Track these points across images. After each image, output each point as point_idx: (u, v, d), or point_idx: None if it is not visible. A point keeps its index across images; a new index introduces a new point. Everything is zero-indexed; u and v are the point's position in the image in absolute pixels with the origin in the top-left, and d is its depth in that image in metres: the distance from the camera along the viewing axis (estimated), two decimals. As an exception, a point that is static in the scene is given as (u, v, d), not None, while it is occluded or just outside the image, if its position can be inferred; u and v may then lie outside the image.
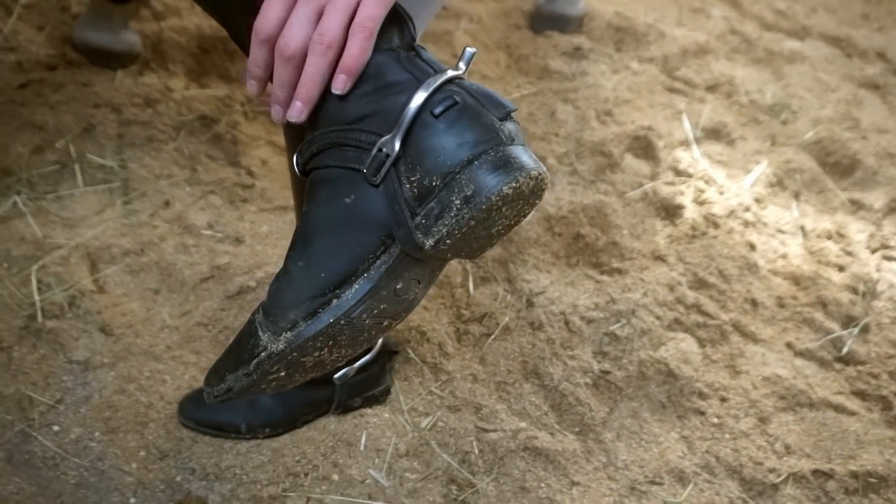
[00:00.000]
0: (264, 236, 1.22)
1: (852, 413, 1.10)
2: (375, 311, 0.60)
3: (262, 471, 0.94)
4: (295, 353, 0.60)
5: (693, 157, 1.52)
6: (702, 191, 1.43)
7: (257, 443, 0.96)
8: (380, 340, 0.90)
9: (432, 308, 1.15)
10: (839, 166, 1.59)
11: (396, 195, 0.57)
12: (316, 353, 0.60)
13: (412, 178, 0.56)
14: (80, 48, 1.40)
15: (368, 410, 1.00)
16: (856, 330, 1.22)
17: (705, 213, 1.38)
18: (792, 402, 1.10)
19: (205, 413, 0.97)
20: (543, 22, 1.84)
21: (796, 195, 1.50)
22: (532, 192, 0.57)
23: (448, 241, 0.56)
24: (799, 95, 1.79)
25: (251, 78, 0.61)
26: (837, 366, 1.17)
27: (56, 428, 0.95)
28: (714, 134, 1.62)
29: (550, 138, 1.50)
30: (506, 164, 0.55)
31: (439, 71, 0.59)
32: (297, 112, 0.59)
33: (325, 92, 0.60)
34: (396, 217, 0.57)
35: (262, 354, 0.60)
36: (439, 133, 0.56)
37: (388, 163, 0.57)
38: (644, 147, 1.52)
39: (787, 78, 1.86)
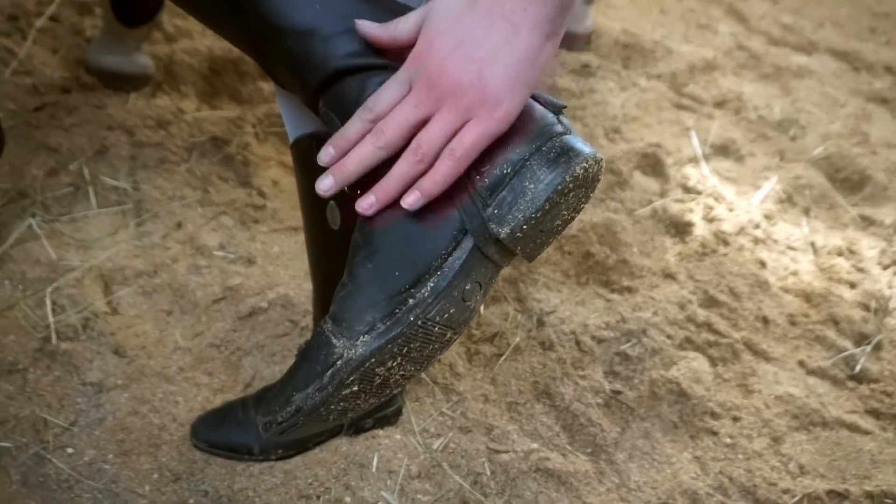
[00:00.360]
0: (276, 257, 1.22)
1: (866, 432, 1.09)
2: (446, 315, 0.60)
3: (274, 493, 0.94)
4: (373, 360, 0.59)
5: (702, 174, 1.52)
6: (711, 208, 1.44)
7: (270, 465, 0.97)
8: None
9: (443, 328, 1.15)
10: (849, 182, 1.59)
11: (466, 188, 0.58)
12: (389, 364, 0.60)
13: (482, 169, 0.58)
14: (94, 71, 1.42)
15: (380, 432, 1.00)
16: (868, 348, 1.21)
17: (715, 231, 1.38)
18: (805, 421, 1.10)
19: (218, 435, 0.97)
20: (551, 40, 1.85)
21: (806, 211, 1.50)
22: (593, 178, 0.60)
23: (524, 228, 0.58)
24: (807, 110, 1.79)
25: (334, 147, 0.60)
26: (850, 384, 1.17)
27: (70, 450, 0.95)
28: (723, 150, 1.62)
29: (559, 156, 1.51)
30: (571, 149, 0.58)
31: None
32: (368, 205, 0.59)
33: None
34: (468, 209, 0.58)
35: (339, 363, 0.59)
36: None
37: None
38: (653, 164, 1.52)
39: (795, 93, 1.86)
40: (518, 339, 1.15)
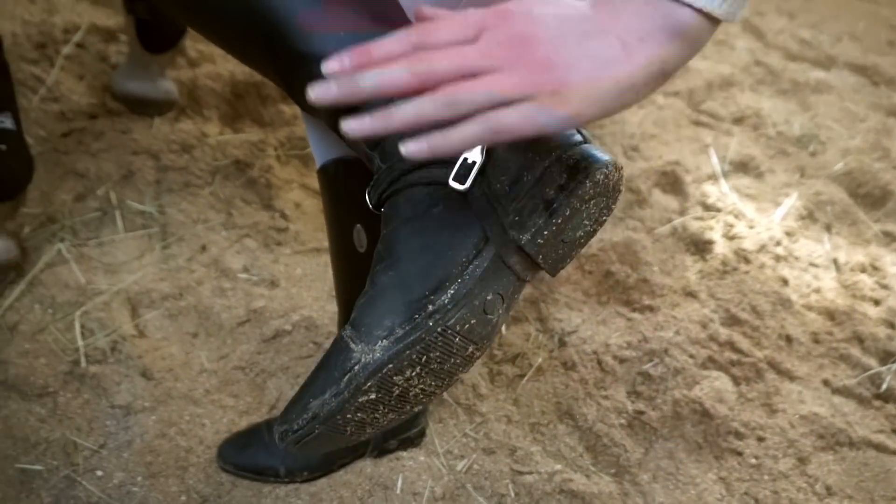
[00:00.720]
0: (299, 279, 1.24)
1: (894, 452, 1.08)
2: (467, 326, 0.59)
3: (300, 515, 0.94)
4: (390, 366, 0.58)
5: (721, 192, 1.52)
6: (731, 225, 1.43)
7: (295, 487, 0.97)
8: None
9: (465, 349, 1.15)
10: (870, 197, 1.58)
11: (488, 196, 0.58)
12: (407, 373, 0.59)
13: (502, 178, 0.58)
14: (120, 97, 1.45)
15: (404, 453, 1.01)
16: (894, 366, 1.20)
17: (736, 248, 1.38)
18: (831, 441, 1.09)
19: (244, 457, 0.98)
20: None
21: (828, 228, 1.49)
22: (614, 187, 0.60)
23: (545, 234, 0.57)
24: (827, 126, 1.79)
25: (351, 53, 0.50)
26: (876, 403, 1.16)
27: (99, 473, 0.96)
28: (742, 167, 1.62)
29: (578, 175, 1.51)
30: (590, 156, 0.58)
31: None
32: (358, 125, 0.50)
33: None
34: (488, 216, 0.58)
35: (356, 367, 0.58)
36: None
37: (476, 168, 0.58)
38: (672, 182, 1.53)
39: (814, 108, 1.86)
40: (540, 359, 1.15)
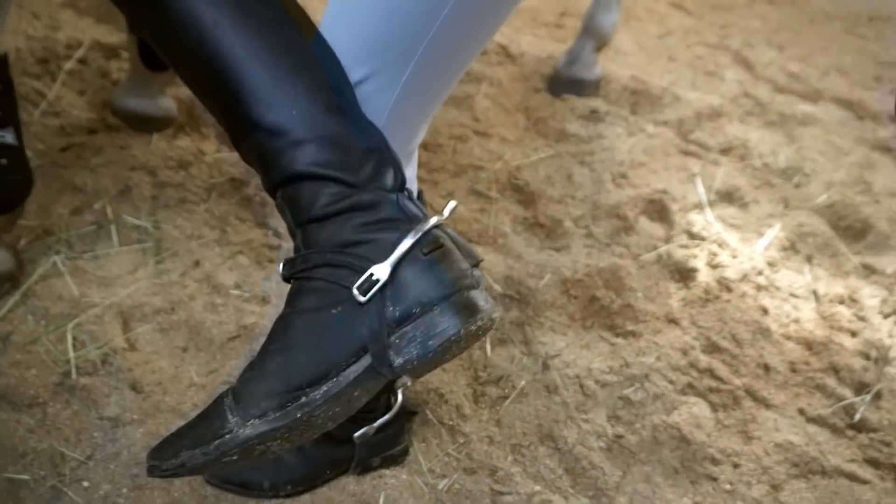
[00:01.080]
0: (289, 296, 1.26)
1: (865, 482, 1.11)
2: (331, 413, 0.69)
3: (282, 530, 0.96)
4: (256, 440, 0.68)
5: (707, 221, 1.55)
6: (715, 254, 1.47)
7: (279, 501, 0.99)
8: (400, 399, 0.94)
9: (450, 369, 1.18)
10: (852, 230, 1.62)
11: (379, 315, 0.67)
12: (270, 443, 0.69)
13: (396, 303, 0.67)
14: (120, 113, 1.48)
15: (387, 471, 1.03)
16: (868, 397, 1.23)
17: (718, 277, 1.41)
18: (804, 469, 1.12)
19: (229, 471, 1.00)
20: (561, 85, 1.90)
21: (809, 259, 1.52)
22: (485, 330, 0.70)
23: (415, 363, 0.67)
24: (812, 158, 1.83)
25: None
26: (850, 433, 1.18)
27: (86, 484, 0.98)
28: (727, 197, 1.65)
29: (567, 201, 1.55)
30: (473, 306, 0.68)
31: (427, 216, 0.70)
32: None
33: (323, 216, 0.69)
34: (375, 334, 0.67)
35: (227, 437, 0.68)
36: (425, 269, 0.67)
37: (378, 286, 0.67)
38: (659, 210, 1.56)
39: (800, 141, 1.90)
40: (524, 381, 1.18)
